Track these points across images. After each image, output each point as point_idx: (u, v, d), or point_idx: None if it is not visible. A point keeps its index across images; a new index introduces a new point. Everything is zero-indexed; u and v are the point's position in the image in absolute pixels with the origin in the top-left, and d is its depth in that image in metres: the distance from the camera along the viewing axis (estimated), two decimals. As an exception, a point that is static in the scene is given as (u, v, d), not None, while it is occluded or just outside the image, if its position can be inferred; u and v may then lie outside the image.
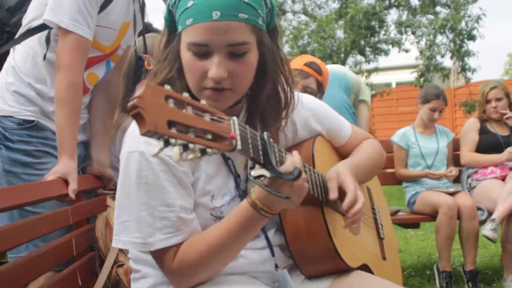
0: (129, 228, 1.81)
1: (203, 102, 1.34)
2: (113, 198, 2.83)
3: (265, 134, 1.61)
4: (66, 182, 2.65)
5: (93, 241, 2.85)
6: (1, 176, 2.88)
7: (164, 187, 1.78)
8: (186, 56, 1.79)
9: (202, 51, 1.75)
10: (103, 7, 2.88)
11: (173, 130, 1.21)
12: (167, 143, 1.21)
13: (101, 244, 2.73)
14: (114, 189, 3.21)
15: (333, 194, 1.98)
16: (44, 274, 2.44)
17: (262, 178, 1.62)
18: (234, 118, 1.44)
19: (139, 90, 1.17)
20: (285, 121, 2.03)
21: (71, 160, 2.73)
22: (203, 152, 1.27)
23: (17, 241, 2.16)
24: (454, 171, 5.64)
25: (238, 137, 1.41)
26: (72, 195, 2.62)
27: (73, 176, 2.68)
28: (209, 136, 1.30)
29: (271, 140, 1.63)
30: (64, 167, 2.68)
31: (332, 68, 5.53)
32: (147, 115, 1.16)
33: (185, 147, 1.24)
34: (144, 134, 1.18)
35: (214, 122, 1.33)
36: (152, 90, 1.19)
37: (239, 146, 1.40)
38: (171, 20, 1.85)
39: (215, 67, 1.73)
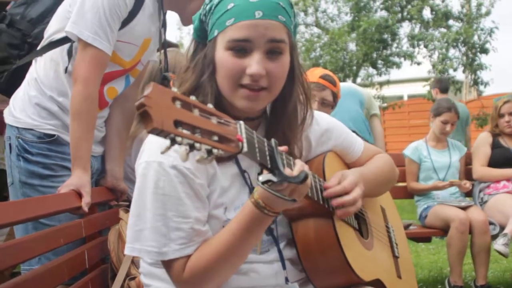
0: (144, 236, 1.82)
1: (210, 105, 1.36)
2: (126, 211, 2.84)
3: (273, 141, 1.63)
4: (79, 195, 2.65)
5: (106, 254, 2.85)
6: (17, 187, 2.89)
7: (180, 198, 1.79)
8: (224, 56, 1.84)
9: (243, 48, 1.81)
10: (125, 23, 2.89)
11: (180, 130, 1.23)
12: (173, 142, 1.23)
13: (113, 257, 2.73)
14: (127, 202, 3.22)
15: (330, 184, 1.99)
16: (57, 286, 2.44)
17: (269, 183, 1.63)
18: (241, 122, 1.46)
19: (147, 90, 1.20)
20: (300, 135, 2.05)
21: (85, 173, 2.74)
22: (209, 152, 1.29)
23: (30, 253, 2.16)
24: (468, 184, 5.62)
25: (245, 140, 1.43)
26: (85, 208, 2.62)
27: (87, 189, 2.69)
28: (216, 138, 1.32)
29: (279, 147, 1.64)
30: (77, 179, 2.69)
31: (345, 84, 5.62)
32: (154, 113, 1.19)
33: (192, 147, 1.25)
34: (150, 131, 1.20)
35: (221, 125, 1.36)
36: (159, 90, 1.22)
37: (245, 149, 1.42)
38: (201, 30, 1.92)
39: (255, 64, 1.79)
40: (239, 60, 1.81)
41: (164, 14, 3.14)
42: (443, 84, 9.03)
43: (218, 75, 1.87)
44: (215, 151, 1.29)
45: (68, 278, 2.43)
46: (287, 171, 1.64)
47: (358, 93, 5.89)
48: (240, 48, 1.81)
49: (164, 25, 3.18)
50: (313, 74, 4.34)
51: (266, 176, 1.62)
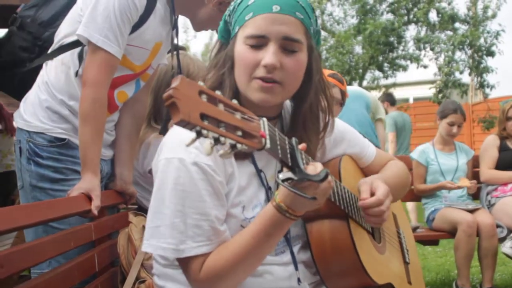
0: (161, 233, 1.82)
1: (234, 101, 1.37)
2: (135, 214, 2.85)
3: (293, 139, 1.64)
4: (89, 198, 2.66)
5: (115, 257, 2.86)
6: (27, 191, 2.89)
7: (201, 195, 1.80)
8: (241, 49, 1.87)
9: (259, 43, 1.84)
10: (136, 27, 2.89)
11: (206, 123, 1.24)
12: (199, 134, 1.24)
13: (123, 260, 2.73)
14: (136, 205, 3.23)
15: (364, 194, 2.01)
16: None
17: (289, 181, 1.64)
18: (264, 119, 1.47)
19: (175, 82, 1.21)
20: (322, 142, 2.08)
21: (94, 176, 2.74)
22: (233, 147, 1.30)
23: (40, 257, 2.16)
24: (474, 182, 5.60)
25: (267, 137, 1.44)
26: (95, 212, 2.63)
27: (96, 192, 2.70)
28: (239, 133, 1.33)
29: (299, 146, 1.65)
30: (87, 183, 2.70)
31: (351, 88, 5.66)
32: (182, 105, 1.19)
33: (216, 141, 1.26)
34: (178, 123, 1.21)
35: (245, 120, 1.37)
36: (187, 83, 1.23)
37: (268, 145, 1.43)
38: (225, 31, 1.97)
39: (269, 54, 1.82)
40: (255, 53, 1.84)
41: (176, 19, 3.14)
42: (391, 98, 10.52)
43: (235, 70, 1.90)
44: (239, 145, 1.30)
45: (78, 282, 2.44)
46: (308, 169, 1.65)
47: (364, 96, 5.93)
48: (256, 43, 1.84)
49: (176, 29, 3.18)
50: None
51: (286, 174, 1.62)
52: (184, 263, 1.85)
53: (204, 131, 1.23)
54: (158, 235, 1.82)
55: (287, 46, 1.84)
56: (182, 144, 1.79)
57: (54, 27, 3.14)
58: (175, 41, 3.21)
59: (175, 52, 3.23)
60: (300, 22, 1.85)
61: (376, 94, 6.12)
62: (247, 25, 1.85)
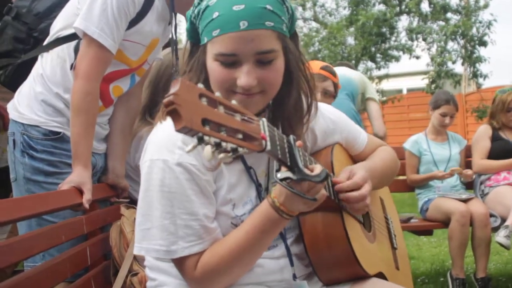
0: (151, 235, 1.81)
1: (233, 102, 1.36)
2: (127, 207, 2.84)
3: (291, 137, 1.62)
4: (80, 192, 2.65)
5: (107, 250, 2.85)
6: (21, 183, 2.89)
7: (187, 195, 1.79)
8: (213, 66, 1.80)
9: (230, 61, 1.76)
10: (133, 23, 2.88)
11: (207, 128, 1.22)
12: (201, 141, 1.22)
13: (115, 253, 2.73)
14: (128, 198, 3.22)
15: (341, 179, 1.98)
16: (59, 284, 2.44)
17: (287, 181, 1.63)
18: (264, 119, 1.46)
19: (175, 87, 1.19)
20: (306, 127, 2.03)
21: (86, 170, 2.73)
22: (234, 151, 1.28)
23: (32, 250, 2.16)
24: (470, 171, 5.60)
25: (268, 138, 1.42)
26: (86, 205, 2.62)
27: (88, 186, 2.69)
28: (240, 136, 1.31)
29: (297, 143, 1.63)
30: (78, 176, 2.69)
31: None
32: (183, 111, 1.17)
33: (217, 146, 1.25)
34: (180, 130, 1.19)
35: (245, 122, 1.35)
36: (186, 87, 1.21)
37: (268, 147, 1.42)
38: (193, 31, 1.88)
39: (244, 76, 1.75)
40: (228, 71, 1.78)
41: (175, 15, 3.12)
42: None
43: (211, 83, 1.84)
44: (240, 149, 1.29)
45: (70, 275, 2.43)
46: (307, 170, 1.63)
47: (348, 86, 5.78)
48: (228, 62, 1.77)
49: (175, 25, 3.16)
50: (314, 65, 4.36)
51: (284, 173, 1.61)
52: (179, 263, 1.85)
53: (206, 137, 1.22)
54: (149, 237, 1.82)
55: (261, 59, 1.77)
56: (166, 145, 1.80)
57: (50, 18, 3.13)
58: (174, 37, 3.19)
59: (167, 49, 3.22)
60: (271, 31, 1.77)
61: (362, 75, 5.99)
62: (215, 41, 1.76)
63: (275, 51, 1.79)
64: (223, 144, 1.25)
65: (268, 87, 1.82)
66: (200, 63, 1.86)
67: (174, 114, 1.18)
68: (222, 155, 1.27)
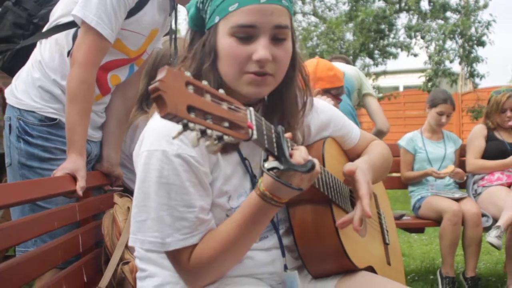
0: (147, 227, 1.80)
1: (221, 91, 1.36)
2: (121, 196, 2.85)
3: (279, 127, 1.62)
4: (74, 179, 2.65)
5: (100, 238, 2.85)
6: (15, 168, 2.89)
7: (185, 187, 1.78)
8: (227, 42, 1.80)
9: (248, 34, 1.78)
10: (133, 13, 2.87)
11: (192, 115, 1.22)
12: (186, 127, 1.22)
13: (107, 241, 2.74)
14: (122, 187, 3.23)
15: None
16: (50, 270, 2.45)
17: (275, 171, 1.63)
18: (251, 108, 1.46)
19: (161, 74, 1.19)
20: (301, 121, 2.04)
21: (80, 157, 2.73)
22: (220, 139, 1.28)
23: (24, 236, 2.17)
24: (461, 170, 5.62)
25: (254, 127, 1.42)
26: (80, 192, 2.62)
27: (82, 173, 2.69)
28: (226, 124, 1.31)
29: (285, 134, 1.64)
30: (73, 163, 2.69)
31: None
32: (168, 98, 1.18)
33: (203, 133, 1.25)
34: (164, 116, 1.19)
35: (231, 110, 1.35)
36: (173, 74, 1.21)
37: (255, 136, 1.42)
38: (198, 18, 1.89)
39: (262, 49, 1.77)
40: (244, 47, 1.78)
41: (176, 6, 3.11)
42: None
43: (220, 63, 1.84)
44: (225, 137, 1.29)
45: (61, 262, 2.44)
46: (293, 156, 1.64)
47: (345, 77, 5.77)
48: (245, 35, 1.78)
49: (175, 15, 3.16)
50: (323, 65, 4.34)
51: (272, 163, 1.61)
52: (172, 255, 1.85)
53: (191, 124, 1.22)
54: (144, 229, 1.81)
55: (277, 35, 1.79)
56: (164, 136, 1.78)
57: (50, 5, 3.14)
58: (173, 27, 3.19)
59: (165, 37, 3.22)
60: (286, 10, 1.81)
61: (358, 70, 5.92)
62: (232, 15, 1.77)
63: (289, 28, 1.83)
64: (209, 131, 1.26)
65: (279, 69, 1.84)
66: (208, 46, 1.85)
67: (159, 100, 1.19)
68: (208, 142, 1.28)
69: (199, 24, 1.90)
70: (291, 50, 1.89)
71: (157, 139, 1.80)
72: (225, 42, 1.81)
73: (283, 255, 2.02)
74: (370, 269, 2.20)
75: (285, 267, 2.01)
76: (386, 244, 2.54)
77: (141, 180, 1.82)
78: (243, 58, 1.79)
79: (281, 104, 1.97)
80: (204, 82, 1.31)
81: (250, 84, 1.81)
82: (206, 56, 1.85)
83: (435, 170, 5.59)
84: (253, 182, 1.96)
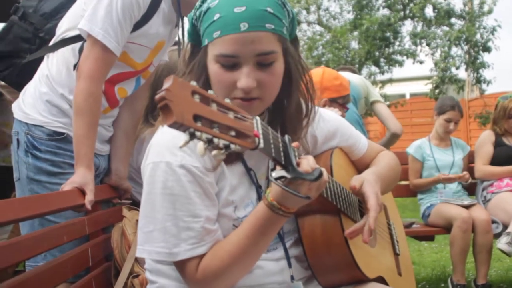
0: (154, 238, 1.81)
1: (227, 100, 1.36)
2: (129, 209, 2.84)
3: (286, 137, 1.62)
4: (82, 193, 2.65)
5: (109, 252, 2.85)
6: (24, 183, 2.88)
7: (190, 197, 1.79)
8: (213, 68, 1.81)
9: (231, 63, 1.77)
10: (139, 26, 2.87)
11: (199, 124, 1.22)
12: (192, 136, 1.22)
13: (116, 255, 2.73)
14: (130, 200, 3.22)
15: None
16: (60, 284, 2.44)
17: (282, 180, 1.63)
18: (257, 117, 1.46)
19: (167, 83, 1.19)
20: (306, 130, 2.04)
21: (88, 171, 2.73)
22: (227, 147, 1.28)
23: (33, 251, 2.16)
24: (467, 174, 5.59)
25: (261, 136, 1.42)
26: (89, 206, 2.62)
27: (90, 187, 2.68)
28: (233, 133, 1.31)
29: (292, 143, 1.63)
30: (81, 177, 2.69)
31: None
32: (174, 107, 1.18)
33: (210, 142, 1.25)
34: (171, 125, 1.19)
35: (238, 120, 1.35)
36: (179, 84, 1.21)
37: (261, 145, 1.42)
38: (194, 33, 1.88)
39: (244, 77, 1.76)
40: (229, 74, 1.78)
41: (182, 18, 3.11)
42: None
43: (212, 86, 1.84)
44: (232, 146, 1.29)
45: (71, 276, 2.43)
46: (301, 165, 1.64)
47: (351, 90, 5.77)
48: (229, 64, 1.78)
49: (182, 28, 3.15)
50: (329, 74, 4.32)
51: (279, 172, 1.61)
52: (180, 266, 1.85)
53: (198, 133, 1.22)
54: (152, 240, 1.82)
55: (262, 61, 1.78)
56: (168, 147, 1.80)
57: (56, 19, 3.13)
58: (181, 40, 3.18)
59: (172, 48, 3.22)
60: (271, 34, 1.78)
61: (364, 79, 5.91)
62: (215, 43, 1.77)
63: (275, 52, 1.80)
64: (215, 140, 1.25)
65: (266, 92, 1.83)
66: (200, 65, 1.87)
67: (165, 110, 1.18)
68: (215, 151, 1.28)
69: (196, 39, 1.90)
70: (282, 70, 1.87)
71: (161, 151, 1.82)
72: (212, 67, 1.82)
73: (289, 266, 2.01)
74: (381, 279, 2.19)
75: (292, 278, 2.01)
76: (396, 255, 2.52)
77: (147, 192, 1.84)
78: (228, 85, 1.79)
79: (283, 113, 1.97)
80: (211, 92, 1.31)
81: (238, 107, 1.80)
82: (200, 75, 1.87)
83: (445, 173, 5.57)
84: (259, 193, 1.97)
